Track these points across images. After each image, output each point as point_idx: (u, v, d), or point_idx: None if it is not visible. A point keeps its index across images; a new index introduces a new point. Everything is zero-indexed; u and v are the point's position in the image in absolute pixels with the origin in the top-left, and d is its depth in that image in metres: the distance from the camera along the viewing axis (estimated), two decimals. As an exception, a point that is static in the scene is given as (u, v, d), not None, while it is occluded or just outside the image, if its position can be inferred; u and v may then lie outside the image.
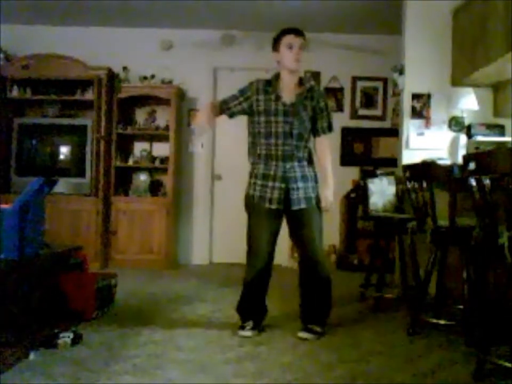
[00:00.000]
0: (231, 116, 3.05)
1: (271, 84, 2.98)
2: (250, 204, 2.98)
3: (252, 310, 3.04)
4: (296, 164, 2.93)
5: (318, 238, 2.94)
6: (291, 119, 2.90)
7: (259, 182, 2.94)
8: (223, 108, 3.03)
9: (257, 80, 3.02)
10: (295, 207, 2.90)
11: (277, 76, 3.01)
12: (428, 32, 4.41)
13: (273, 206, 2.90)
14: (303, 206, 2.90)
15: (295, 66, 2.93)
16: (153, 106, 5.69)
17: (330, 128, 3.05)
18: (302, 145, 2.95)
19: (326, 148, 3.06)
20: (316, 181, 3.01)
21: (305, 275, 3.00)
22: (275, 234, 2.98)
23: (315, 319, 2.97)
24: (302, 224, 2.93)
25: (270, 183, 2.91)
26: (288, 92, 2.95)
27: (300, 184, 2.91)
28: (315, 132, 3.03)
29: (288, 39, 2.91)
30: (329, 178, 3.01)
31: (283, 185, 2.89)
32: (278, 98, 2.93)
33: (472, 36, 4.01)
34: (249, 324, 2.96)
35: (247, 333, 2.91)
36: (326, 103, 3.03)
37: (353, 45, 5.76)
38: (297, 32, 2.93)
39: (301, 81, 3.00)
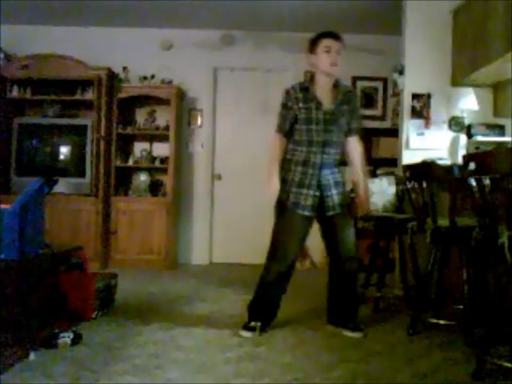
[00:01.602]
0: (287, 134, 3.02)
1: (307, 90, 2.94)
2: (283, 210, 2.96)
3: (263, 311, 3.03)
4: (331, 171, 2.95)
5: (353, 238, 3.00)
6: (331, 127, 2.90)
7: (294, 189, 2.93)
8: (284, 134, 2.99)
9: (292, 88, 2.95)
10: (330, 213, 2.94)
11: (312, 80, 2.98)
12: (428, 32, 4.40)
13: (307, 213, 2.92)
14: (338, 211, 2.94)
15: (332, 70, 2.91)
16: (153, 106, 5.68)
17: (360, 128, 3.07)
18: (338, 152, 2.98)
19: (358, 147, 3.06)
20: (345, 186, 3.04)
21: (337, 273, 3.04)
22: (303, 240, 3.03)
23: (352, 316, 3.03)
24: (338, 228, 2.97)
25: (305, 191, 2.91)
26: (325, 97, 2.93)
27: (334, 191, 2.94)
28: (347, 132, 3.01)
29: (327, 42, 2.90)
30: (364, 181, 3.05)
31: (317, 193, 2.91)
32: (318, 106, 2.90)
33: (472, 36, 4.01)
34: (256, 324, 2.95)
35: (248, 334, 2.91)
36: (357, 104, 3.07)
37: (353, 45, 5.74)
38: (336, 37, 2.92)
39: (336, 84, 2.97)
